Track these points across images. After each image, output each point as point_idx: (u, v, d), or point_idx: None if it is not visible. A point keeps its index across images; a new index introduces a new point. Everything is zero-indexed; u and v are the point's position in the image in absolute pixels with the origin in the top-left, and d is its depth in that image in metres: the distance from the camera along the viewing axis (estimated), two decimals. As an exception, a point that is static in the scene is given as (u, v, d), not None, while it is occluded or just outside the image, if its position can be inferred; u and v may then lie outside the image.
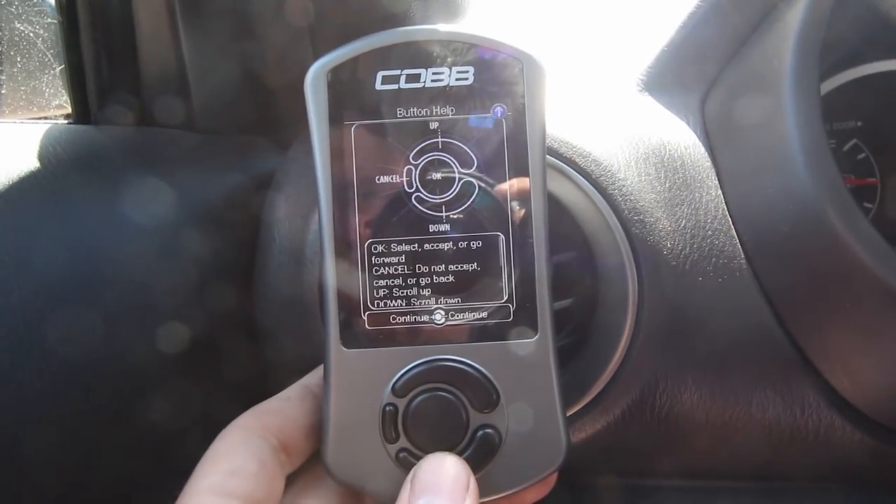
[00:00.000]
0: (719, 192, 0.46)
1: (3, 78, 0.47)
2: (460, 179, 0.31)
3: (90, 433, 0.36)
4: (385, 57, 0.30)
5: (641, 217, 0.43)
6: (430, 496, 0.27)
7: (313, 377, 0.33)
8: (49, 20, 0.48)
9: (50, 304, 0.33)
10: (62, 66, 0.48)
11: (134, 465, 0.39)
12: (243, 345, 0.45)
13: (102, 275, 0.37)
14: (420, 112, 0.30)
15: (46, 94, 0.48)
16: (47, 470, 0.34)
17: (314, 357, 0.32)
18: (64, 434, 0.34)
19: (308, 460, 0.31)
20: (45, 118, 0.49)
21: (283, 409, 0.31)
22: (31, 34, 0.47)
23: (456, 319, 0.31)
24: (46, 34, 0.47)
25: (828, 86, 0.56)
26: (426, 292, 0.31)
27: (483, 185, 0.31)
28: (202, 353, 0.43)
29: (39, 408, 0.33)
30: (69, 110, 0.49)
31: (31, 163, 0.36)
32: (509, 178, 0.31)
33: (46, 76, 0.48)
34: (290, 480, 0.30)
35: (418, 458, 0.29)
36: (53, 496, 0.35)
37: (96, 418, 0.36)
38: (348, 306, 0.31)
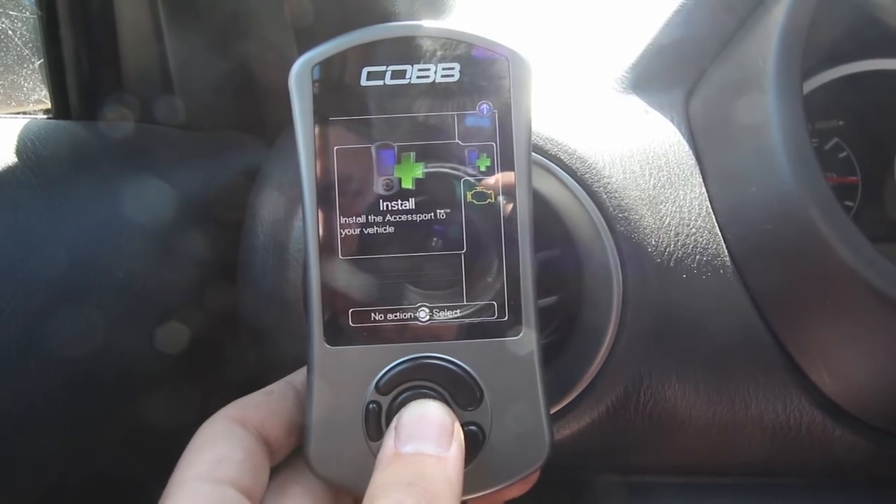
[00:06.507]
0: (703, 190, 0.46)
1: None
2: (446, 176, 0.31)
3: (84, 432, 0.36)
4: (370, 53, 0.30)
5: (626, 214, 0.43)
6: (418, 442, 0.27)
7: (298, 375, 0.33)
8: (28, 14, 0.47)
9: (34, 301, 0.33)
10: (41, 61, 0.47)
11: (130, 463, 0.39)
12: (241, 342, 0.45)
13: (91, 272, 0.36)
14: (405, 108, 0.30)
15: (25, 89, 0.47)
16: (43, 469, 0.34)
17: (298, 354, 0.32)
18: (58, 433, 0.34)
19: (289, 456, 0.31)
20: (24, 113, 0.48)
21: (264, 403, 0.31)
22: (9, 29, 0.46)
23: (440, 317, 0.31)
24: (25, 28, 0.46)
25: (810, 85, 0.56)
26: (410, 290, 0.31)
27: (468, 181, 0.31)
28: (198, 350, 0.42)
29: (33, 407, 0.32)
30: (48, 105, 0.48)
31: (9, 158, 0.35)
32: (495, 175, 0.31)
33: (25, 70, 0.47)
34: (276, 471, 0.30)
35: None
36: (49, 496, 0.34)
37: (89, 417, 0.36)
38: (332, 303, 0.30)
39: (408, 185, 0.31)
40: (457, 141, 0.30)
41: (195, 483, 0.26)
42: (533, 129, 0.31)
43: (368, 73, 0.30)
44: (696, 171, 0.47)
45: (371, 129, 0.30)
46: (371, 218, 0.31)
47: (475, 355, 0.30)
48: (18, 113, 0.48)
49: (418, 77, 0.30)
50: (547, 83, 0.53)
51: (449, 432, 0.28)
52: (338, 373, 0.30)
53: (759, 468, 0.49)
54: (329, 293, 0.30)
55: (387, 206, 0.31)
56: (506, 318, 0.31)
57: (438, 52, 0.30)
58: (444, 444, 0.27)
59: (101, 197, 0.39)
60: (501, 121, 0.30)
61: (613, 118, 0.49)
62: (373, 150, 0.31)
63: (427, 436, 0.27)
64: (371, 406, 0.30)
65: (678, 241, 0.44)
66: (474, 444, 0.30)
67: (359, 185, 0.30)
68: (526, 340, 0.30)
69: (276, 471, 0.30)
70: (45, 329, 0.33)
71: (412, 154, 0.30)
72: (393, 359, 0.30)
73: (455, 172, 0.31)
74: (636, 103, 0.51)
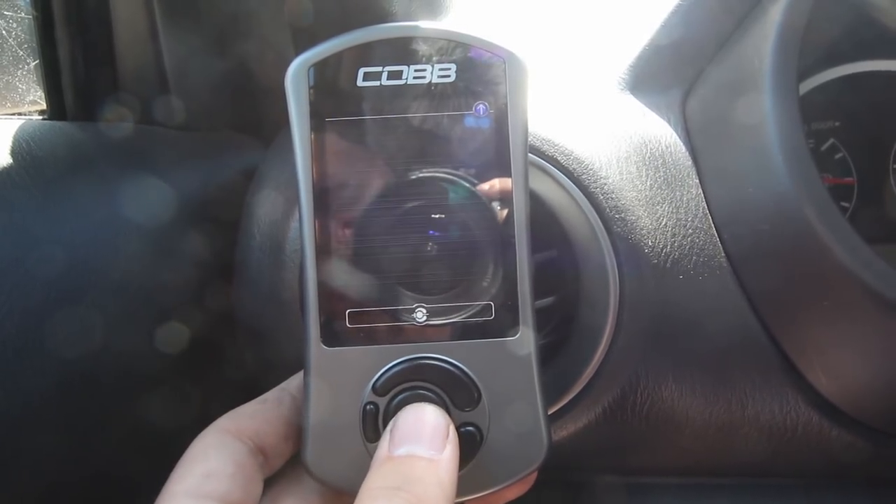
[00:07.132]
0: (700, 190, 0.46)
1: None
2: (442, 178, 0.31)
3: (81, 432, 0.35)
4: (367, 53, 0.30)
5: (623, 215, 0.43)
6: (411, 445, 0.27)
7: (293, 381, 0.33)
8: (23, 15, 0.47)
9: (31, 301, 0.33)
10: (37, 62, 0.47)
11: (130, 463, 0.39)
12: (239, 342, 0.45)
13: (88, 273, 0.36)
14: (402, 109, 0.30)
15: (20, 90, 0.47)
16: (41, 469, 0.34)
17: (295, 355, 0.32)
18: (56, 433, 0.34)
19: (287, 463, 0.31)
20: (20, 114, 0.48)
21: (258, 412, 0.31)
22: (4, 30, 0.46)
23: (437, 318, 0.31)
24: (20, 29, 0.46)
25: (807, 86, 0.56)
26: (407, 290, 0.31)
27: (465, 183, 0.31)
28: (197, 350, 0.42)
29: (30, 408, 0.32)
30: (44, 106, 0.48)
31: (4, 159, 0.35)
32: (491, 177, 0.31)
33: (20, 71, 0.47)
34: (270, 483, 0.30)
35: None
36: (47, 495, 0.34)
37: (87, 417, 0.36)
38: (329, 304, 0.30)
39: (404, 185, 0.31)
40: (453, 142, 0.30)
41: (182, 498, 0.26)
42: (530, 130, 0.31)
43: (365, 73, 0.30)
44: (693, 171, 0.47)
45: (367, 130, 0.30)
46: (368, 219, 0.30)
47: (473, 356, 0.30)
48: (14, 114, 0.48)
49: (415, 78, 0.30)
50: (544, 84, 0.53)
51: (443, 434, 0.28)
52: (335, 374, 0.30)
53: (756, 468, 0.49)
54: (326, 294, 0.30)
55: (384, 206, 0.30)
56: (503, 318, 0.31)
57: (435, 53, 0.30)
58: (438, 447, 0.27)
59: (97, 197, 0.39)
60: (498, 121, 0.30)
61: (610, 119, 0.49)
62: (370, 151, 0.30)
63: (420, 438, 0.27)
64: (368, 407, 0.30)
65: (675, 241, 0.44)
66: (472, 444, 0.30)
67: (356, 186, 0.30)
68: (524, 341, 0.30)
69: (270, 482, 0.30)
70: (41, 329, 0.33)
71: (409, 155, 0.30)
72: (390, 360, 0.30)
73: (452, 173, 0.31)
74: (633, 104, 0.51)
